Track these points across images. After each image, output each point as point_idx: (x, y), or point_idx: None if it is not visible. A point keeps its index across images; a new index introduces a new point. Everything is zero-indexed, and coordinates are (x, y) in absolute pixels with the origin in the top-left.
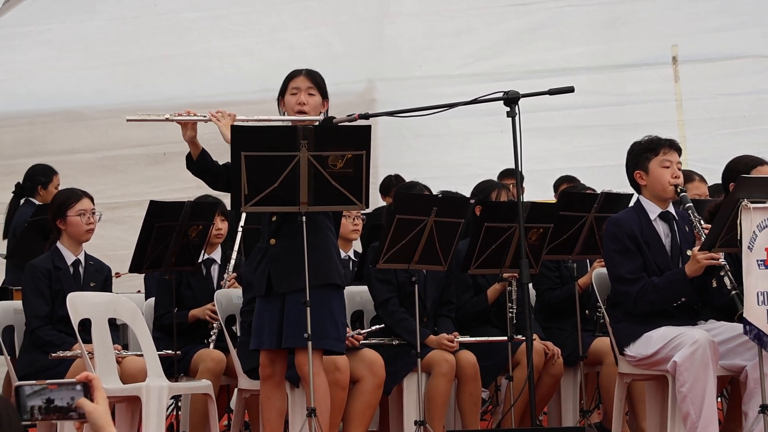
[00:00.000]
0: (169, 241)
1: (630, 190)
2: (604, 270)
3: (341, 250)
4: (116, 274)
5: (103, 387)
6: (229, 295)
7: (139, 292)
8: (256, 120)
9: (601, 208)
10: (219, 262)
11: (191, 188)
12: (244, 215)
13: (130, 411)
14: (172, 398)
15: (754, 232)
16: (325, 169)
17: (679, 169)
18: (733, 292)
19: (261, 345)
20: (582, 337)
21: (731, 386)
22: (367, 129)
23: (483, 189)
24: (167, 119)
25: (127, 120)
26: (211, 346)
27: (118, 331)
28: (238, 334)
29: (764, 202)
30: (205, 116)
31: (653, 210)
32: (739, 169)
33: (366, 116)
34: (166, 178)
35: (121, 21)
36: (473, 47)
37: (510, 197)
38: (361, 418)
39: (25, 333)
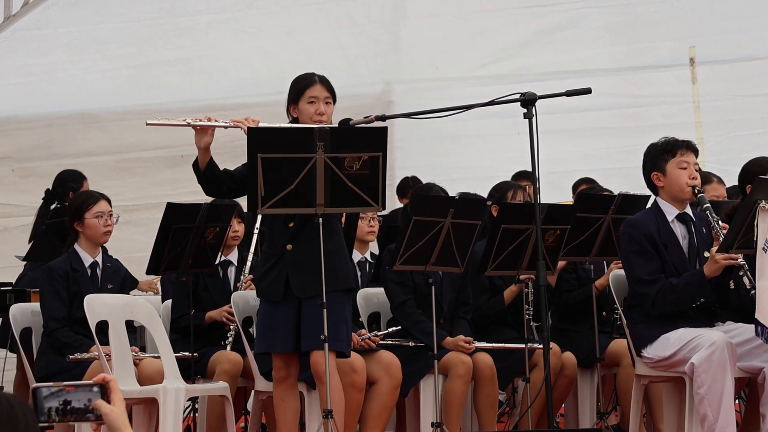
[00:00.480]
0: (186, 243)
1: (647, 191)
2: (621, 272)
3: (357, 252)
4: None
5: (119, 389)
6: (246, 297)
7: (156, 292)
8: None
9: (618, 210)
10: (236, 264)
11: None
12: (260, 217)
13: (147, 413)
14: (189, 400)
15: None
16: (342, 170)
17: (697, 171)
18: (753, 291)
19: (273, 348)
20: (599, 339)
21: (749, 388)
22: (384, 130)
23: (499, 190)
24: (188, 124)
25: (147, 124)
26: (228, 347)
27: (136, 333)
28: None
29: None
30: (225, 123)
31: (670, 211)
32: (755, 170)
33: (383, 118)
34: (184, 181)
35: (138, 23)
36: (490, 49)
37: (527, 198)
38: (377, 419)
39: (42, 335)
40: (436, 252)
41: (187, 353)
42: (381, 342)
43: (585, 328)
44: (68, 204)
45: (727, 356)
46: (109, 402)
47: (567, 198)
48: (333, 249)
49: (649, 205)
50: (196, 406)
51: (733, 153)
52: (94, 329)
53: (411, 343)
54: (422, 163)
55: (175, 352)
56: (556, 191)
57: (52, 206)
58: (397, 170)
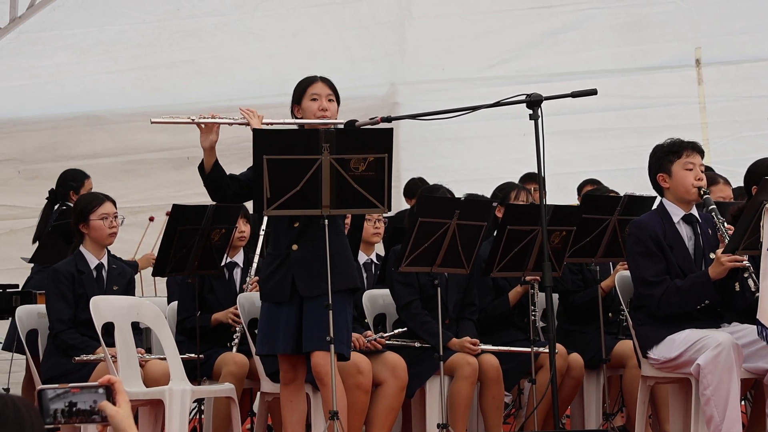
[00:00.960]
0: (191, 244)
1: (653, 192)
2: (627, 273)
3: (363, 253)
4: (150, 218)
5: (125, 390)
6: (252, 299)
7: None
8: (282, 123)
9: (624, 211)
10: (241, 266)
11: None
12: (265, 219)
13: (153, 414)
14: (195, 402)
15: None
16: (348, 172)
17: (702, 172)
18: (757, 294)
19: (275, 350)
20: (605, 340)
21: (755, 389)
22: (389, 132)
23: (502, 191)
24: (192, 122)
25: (152, 122)
26: (234, 349)
27: (141, 334)
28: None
29: None
30: (231, 119)
31: (676, 213)
32: (761, 171)
33: (388, 119)
34: (189, 182)
35: (144, 25)
36: (495, 50)
37: (531, 199)
38: (383, 421)
39: (48, 336)
40: (442, 253)
41: (193, 355)
42: (387, 343)
43: (591, 330)
44: (73, 206)
45: (733, 357)
46: (114, 403)
47: (572, 200)
48: (338, 248)
49: (655, 207)
50: (202, 407)
51: (738, 154)
52: (99, 331)
53: (417, 344)
54: (428, 165)
55: (180, 354)
56: (561, 192)
57: (56, 206)
58: (402, 171)
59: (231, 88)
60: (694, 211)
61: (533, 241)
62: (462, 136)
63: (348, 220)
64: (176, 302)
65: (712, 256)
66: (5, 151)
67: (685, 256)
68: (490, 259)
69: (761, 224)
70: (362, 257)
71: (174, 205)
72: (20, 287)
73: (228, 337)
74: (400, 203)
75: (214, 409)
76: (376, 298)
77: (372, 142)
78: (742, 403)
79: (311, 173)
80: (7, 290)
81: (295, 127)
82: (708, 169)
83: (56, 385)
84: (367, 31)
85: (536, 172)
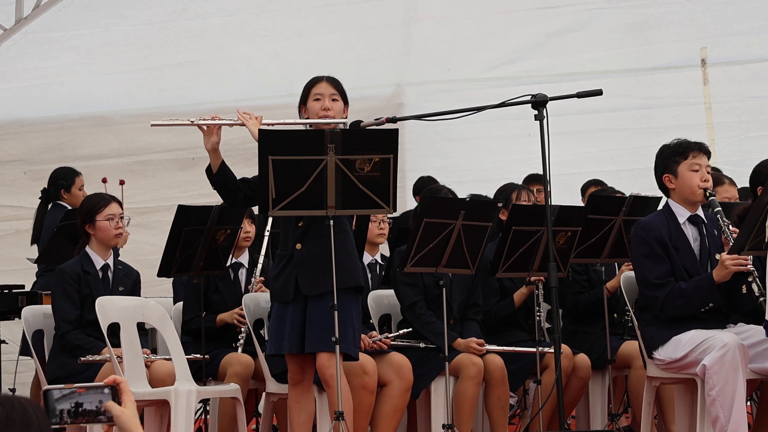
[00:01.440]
0: (197, 245)
1: (658, 193)
2: (632, 273)
3: (368, 254)
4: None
5: (131, 390)
6: (257, 299)
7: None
8: (282, 123)
9: (629, 212)
10: (246, 266)
11: None
12: (270, 219)
13: (159, 415)
14: (200, 402)
15: None
16: (353, 172)
17: (708, 173)
18: (761, 299)
19: (281, 350)
20: (610, 341)
21: (761, 390)
22: (395, 132)
23: (504, 191)
24: (192, 123)
25: (152, 125)
26: (239, 350)
27: (147, 335)
28: (266, 338)
29: None
30: (231, 120)
31: (682, 214)
32: (766, 172)
33: (393, 120)
34: (195, 183)
35: (149, 26)
36: (501, 51)
37: (533, 199)
38: (388, 421)
39: (54, 337)
40: (447, 254)
41: (198, 355)
42: (392, 344)
43: (596, 330)
44: (79, 207)
45: (739, 358)
46: (120, 404)
47: (578, 200)
48: (342, 247)
49: (660, 207)
50: (208, 408)
51: (744, 154)
52: (105, 331)
53: (422, 344)
54: (433, 165)
55: (186, 354)
56: (567, 193)
57: (49, 206)
58: (407, 172)
59: (237, 88)
60: (700, 212)
61: (538, 242)
62: (467, 136)
63: (353, 222)
64: (181, 303)
65: (717, 257)
66: (11, 152)
67: (691, 258)
68: (496, 259)
69: (767, 225)
70: (367, 258)
71: (179, 206)
72: (26, 288)
73: (233, 338)
74: (405, 204)
75: (220, 409)
76: (381, 299)
77: (377, 143)
78: (748, 403)
79: (316, 174)
80: (13, 291)
81: (297, 127)
82: (714, 170)
83: (62, 386)
84: (373, 31)
85: (540, 173)
